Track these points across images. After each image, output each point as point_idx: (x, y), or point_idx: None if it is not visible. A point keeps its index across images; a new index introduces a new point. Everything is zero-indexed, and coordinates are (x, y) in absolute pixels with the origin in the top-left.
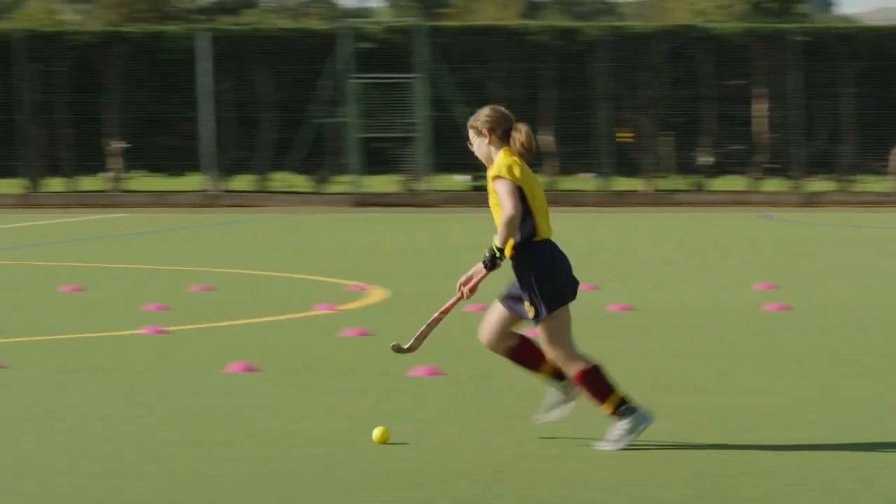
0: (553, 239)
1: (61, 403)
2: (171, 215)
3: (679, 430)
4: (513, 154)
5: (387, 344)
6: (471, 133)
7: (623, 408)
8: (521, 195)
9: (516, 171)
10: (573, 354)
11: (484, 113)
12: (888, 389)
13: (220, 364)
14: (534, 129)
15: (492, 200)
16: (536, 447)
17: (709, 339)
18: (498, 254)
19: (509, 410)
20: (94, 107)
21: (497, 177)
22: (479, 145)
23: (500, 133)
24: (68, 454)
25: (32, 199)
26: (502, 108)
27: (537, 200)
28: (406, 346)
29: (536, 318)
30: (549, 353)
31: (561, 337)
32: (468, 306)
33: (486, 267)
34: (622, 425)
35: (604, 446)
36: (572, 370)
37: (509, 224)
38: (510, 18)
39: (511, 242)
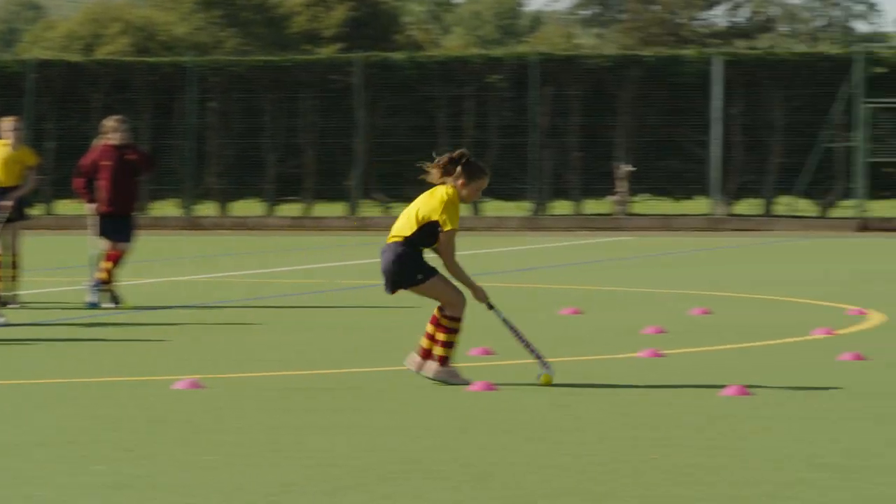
0: None
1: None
2: (675, 239)
3: None
4: None
5: (882, 368)
6: None
7: None
8: None
9: None
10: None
11: None
12: None
13: (714, 388)
14: None
15: None
16: None
17: None
18: None
19: None
20: (604, 130)
21: None
22: None
23: None
24: (567, 476)
25: (537, 223)
26: None
27: None
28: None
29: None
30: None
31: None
32: None
33: None
34: None
35: None
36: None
37: None
38: None
39: None
